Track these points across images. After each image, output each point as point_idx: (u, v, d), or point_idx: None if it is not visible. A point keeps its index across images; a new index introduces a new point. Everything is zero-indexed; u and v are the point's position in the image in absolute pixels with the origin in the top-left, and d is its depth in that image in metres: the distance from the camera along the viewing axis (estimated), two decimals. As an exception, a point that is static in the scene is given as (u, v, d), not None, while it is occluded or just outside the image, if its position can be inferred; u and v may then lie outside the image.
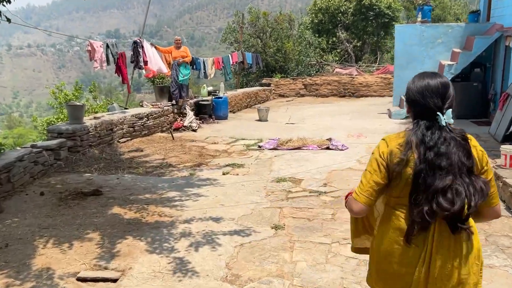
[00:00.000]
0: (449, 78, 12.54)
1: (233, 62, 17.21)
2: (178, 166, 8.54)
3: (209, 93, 14.35)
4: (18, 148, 7.86)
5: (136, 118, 10.82)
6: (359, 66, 21.44)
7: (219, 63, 16.15)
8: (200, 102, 13.28)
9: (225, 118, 13.78)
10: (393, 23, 30.01)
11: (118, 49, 10.94)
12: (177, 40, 13.05)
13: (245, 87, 19.81)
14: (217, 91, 14.65)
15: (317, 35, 26.66)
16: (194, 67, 14.81)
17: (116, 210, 6.25)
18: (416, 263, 2.20)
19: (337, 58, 26.27)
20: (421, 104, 2.25)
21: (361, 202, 2.26)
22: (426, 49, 13.54)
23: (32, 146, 7.94)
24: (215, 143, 10.58)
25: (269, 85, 19.23)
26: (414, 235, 2.14)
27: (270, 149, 9.74)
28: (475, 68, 12.93)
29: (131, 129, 10.67)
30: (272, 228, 5.56)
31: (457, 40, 13.41)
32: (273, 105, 16.91)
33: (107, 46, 10.52)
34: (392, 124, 12.56)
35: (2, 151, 7.30)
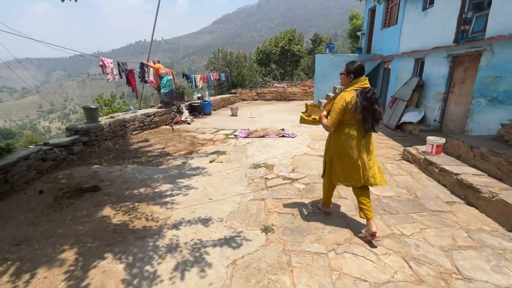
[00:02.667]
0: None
1: (213, 79, 13.89)
2: (174, 154, 5.47)
3: (199, 98, 11.08)
4: (30, 146, 4.51)
5: (145, 116, 7.50)
6: (288, 83, 18.64)
7: (205, 78, 12.81)
8: (193, 104, 10.00)
9: (209, 114, 10.62)
10: (301, 59, 27.60)
11: (128, 66, 7.42)
12: (153, 61, 8.53)
13: (221, 94, 16.56)
14: (204, 97, 11.39)
15: (260, 65, 24.01)
16: (189, 81, 11.46)
17: (106, 211, 3.18)
18: (359, 145, 2.44)
19: (270, 79, 23.73)
20: (360, 73, 2.38)
21: (332, 126, 2.45)
22: (334, 70, 10.90)
23: (45, 144, 4.60)
24: (203, 133, 7.52)
25: (235, 93, 16.05)
26: (366, 134, 2.40)
27: (243, 137, 6.84)
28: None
29: (141, 124, 7.36)
30: (262, 232, 2.77)
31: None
32: (239, 105, 13.77)
33: (118, 64, 7.03)
34: (316, 117, 9.93)
35: (12, 150, 3.93)
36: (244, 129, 7.64)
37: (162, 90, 8.45)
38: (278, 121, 9.11)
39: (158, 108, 8.34)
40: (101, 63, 6.30)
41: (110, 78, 6.55)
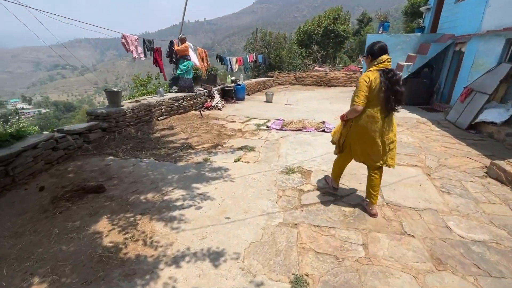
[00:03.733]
0: (406, 76, 8.30)
1: (250, 61, 12.90)
2: (197, 147, 4.76)
3: (232, 81, 10.26)
4: (45, 132, 4.10)
5: (173, 100, 6.90)
6: (330, 66, 16.86)
7: (240, 61, 11.89)
8: (225, 88, 9.22)
9: (243, 99, 9.79)
10: (345, 41, 25.21)
11: (154, 45, 6.74)
12: (181, 38, 7.20)
13: (257, 78, 15.56)
14: (238, 80, 10.53)
15: (300, 47, 22.26)
16: (223, 63, 10.64)
17: (101, 225, 2.55)
18: (379, 126, 2.41)
19: (311, 62, 21.95)
20: (379, 54, 2.34)
21: (362, 105, 2.36)
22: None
23: (58, 131, 4.16)
24: (233, 121, 6.73)
25: (272, 76, 14.91)
26: (386, 115, 2.38)
27: (276, 130, 5.91)
28: (424, 68, 8.65)
29: (169, 109, 6.79)
30: (292, 287, 1.88)
31: (412, 47, 9.00)
32: (275, 90, 12.73)
33: (144, 41, 6.40)
34: (362, 108, 8.51)
35: (23, 137, 3.51)
36: (278, 119, 6.68)
37: (181, 74, 7.20)
38: (318, 110, 7.94)
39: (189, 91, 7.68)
40: (123, 40, 5.68)
41: (135, 56, 5.95)
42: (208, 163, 4.03)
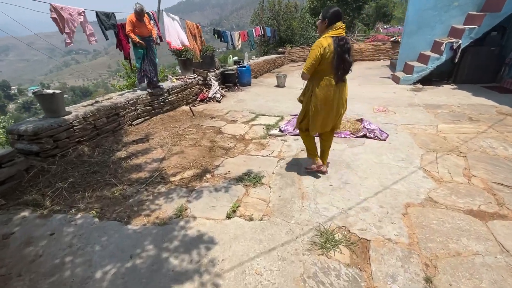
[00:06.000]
0: (467, 43, 5.56)
1: (256, 35, 10.59)
2: (172, 179, 2.96)
3: (235, 62, 8.14)
4: None
5: (153, 96, 5.04)
6: (351, 37, 14.18)
7: (244, 36, 9.63)
8: (226, 72, 7.18)
9: (249, 84, 7.75)
10: (364, 6, 21.92)
11: (116, 21, 4.68)
12: (139, 10, 4.17)
13: (266, 55, 13.25)
14: (242, 61, 8.38)
15: (313, 16, 19.42)
16: (222, 40, 8.47)
17: None
18: (337, 94, 2.35)
19: (325, 32, 19.14)
20: (336, 19, 2.21)
21: (307, 72, 2.33)
22: (439, 13, 6.69)
23: None
24: (234, 120, 4.83)
25: (283, 52, 12.50)
26: (337, 82, 2.32)
27: (294, 135, 3.99)
28: (491, 31, 6.18)
29: (148, 107, 4.96)
30: None
31: (474, 2, 6.46)
32: (287, 69, 10.49)
33: (98, 16, 4.35)
34: (406, 92, 6.29)
35: None
36: (295, 116, 4.73)
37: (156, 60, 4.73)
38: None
39: (179, 80, 5.74)
40: (54, 14, 3.68)
41: (69, 42, 3.93)
42: (182, 223, 2.26)
